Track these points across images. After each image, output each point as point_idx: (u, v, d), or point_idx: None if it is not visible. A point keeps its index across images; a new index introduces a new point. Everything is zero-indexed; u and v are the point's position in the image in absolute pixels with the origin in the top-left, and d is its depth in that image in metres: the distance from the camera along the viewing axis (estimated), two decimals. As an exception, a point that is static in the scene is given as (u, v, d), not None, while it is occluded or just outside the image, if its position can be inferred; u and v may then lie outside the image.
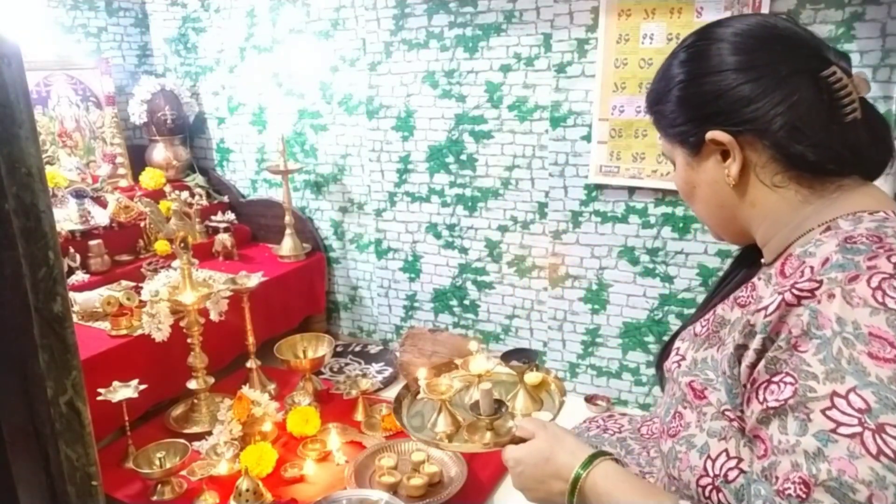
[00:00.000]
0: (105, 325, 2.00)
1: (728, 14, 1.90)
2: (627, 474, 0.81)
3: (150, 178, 2.73)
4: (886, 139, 0.75)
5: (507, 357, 1.25)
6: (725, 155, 0.76)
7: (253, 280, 2.19)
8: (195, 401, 2.07)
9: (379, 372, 2.55)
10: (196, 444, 1.85)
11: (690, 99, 0.78)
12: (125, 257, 2.44)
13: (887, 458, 0.56)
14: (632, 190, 2.14)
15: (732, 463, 0.69)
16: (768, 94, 0.71)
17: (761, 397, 0.65)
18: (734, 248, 0.91)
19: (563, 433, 0.89)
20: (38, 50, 2.58)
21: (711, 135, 0.75)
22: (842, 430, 0.58)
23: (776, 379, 0.64)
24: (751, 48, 0.75)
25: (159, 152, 2.87)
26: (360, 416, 2.07)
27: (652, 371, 2.23)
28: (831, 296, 0.62)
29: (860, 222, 0.68)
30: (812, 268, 0.67)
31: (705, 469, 0.71)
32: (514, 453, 0.90)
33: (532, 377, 1.27)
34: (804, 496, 0.58)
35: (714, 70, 0.75)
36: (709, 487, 0.70)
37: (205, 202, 2.79)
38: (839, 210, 0.71)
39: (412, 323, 2.72)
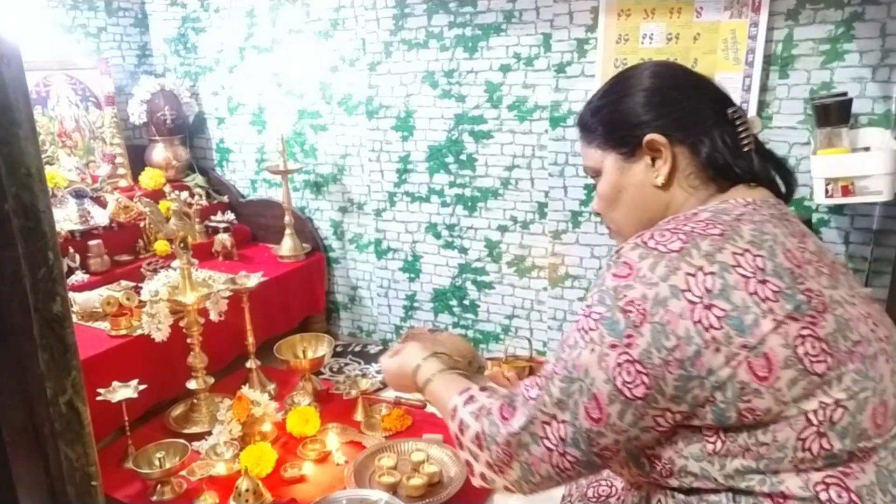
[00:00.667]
0: (105, 325, 2.00)
1: (727, 14, 1.90)
2: (453, 377, 1.03)
3: (150, 178, 2.73)
4: (778, 168, 0.91)
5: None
6: (654, 160, 0.88)
7: (252, 280, 2.19)
8: (195, 401, 2.07)
9: (379, 372, 2.55)
10: (196, 444, 1.85)
11: (643, 106, 0.89)
12: (125, 257, 2.44)
13: (582, 332, 0.78)
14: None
15: None
16: (700, 112, 0.88)
17: None
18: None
19: (415, 343, 1.15)
20: (38, 50, 2.58)
21: (650, 137, 0.87)
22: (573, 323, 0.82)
23: None
24: (695, 79, 0.93)
25: (159, 152, 2.87)
26: (359, 416, 2.07)
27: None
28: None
29: (716, 205, 0.84)
30: None
31: None
32: (384, 359, 1.18)
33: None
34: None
35: (667, 87, 0.90)
36: None
37: (204, 202, 2.78)
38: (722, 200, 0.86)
39: (412, 323, 2.72)
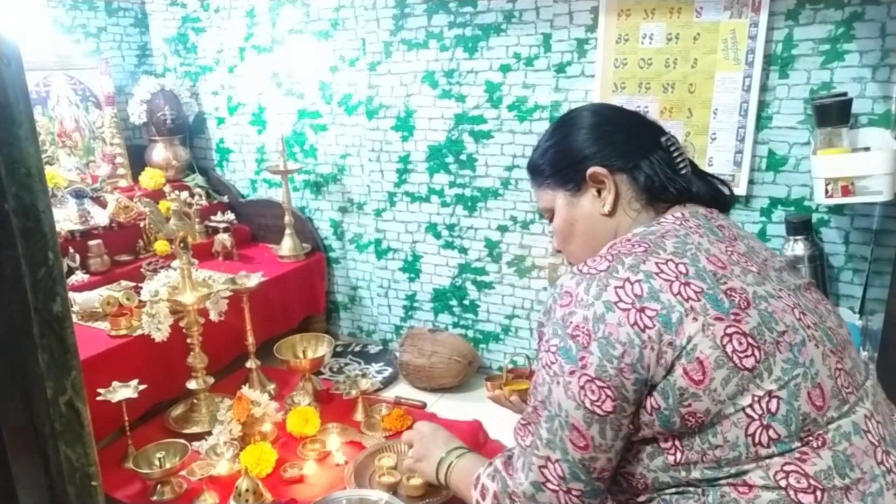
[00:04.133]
0: (105, 325, 2.00)
1: (727, 14, 1.90)
2: (473, 457, 1.15)
3: (150, 179, 2.73)
4: (712, 184, 0.98)
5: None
6: (599, 192, 0.96)
7: (252, 280, 2.18)
8: (195, 401, 2.07)
9: (379, 372, 2.55)
10: (196, 444, 1.85)
11: (582, 143, 0.98)
12: (125, 257, 2.44)
13: (546, 367, 0.84)
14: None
15: None
16: (635, 142, 0.96)
17: None
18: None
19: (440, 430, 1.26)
20: (38, 50, 2.58)
21: (593, 170, 0.95)
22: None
23: None
24: (628, 115, 1.03)
25: (159, 152, 2.87)
26: (359, 416, 2.07)
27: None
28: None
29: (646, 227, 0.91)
30: None
31: None
32: (408, 463, 1.30)
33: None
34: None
35: (605, 123, 0.99)
36: None
37: (204, 202, 2.78)
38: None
39: (412, 323, 2.72)
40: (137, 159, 2.84)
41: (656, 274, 0.79)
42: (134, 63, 2.99)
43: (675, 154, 0.96)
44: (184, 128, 2.93)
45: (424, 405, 2.19)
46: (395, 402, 2.17)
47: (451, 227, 2.53)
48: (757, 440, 0.75)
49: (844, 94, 1.76)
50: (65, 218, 2.32)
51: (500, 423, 1.77)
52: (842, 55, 1.82)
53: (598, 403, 0.79)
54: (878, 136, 1.74)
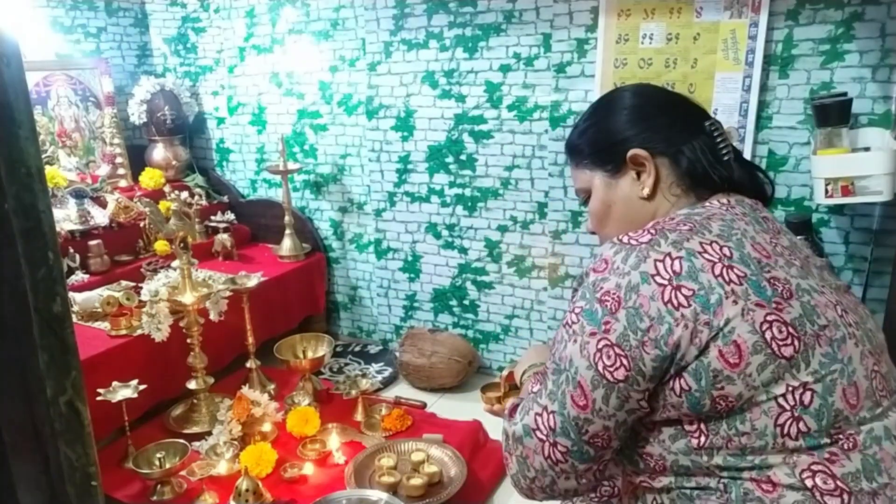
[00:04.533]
0: (105, 325, 2.00)
1: (727, 14, 1.90)
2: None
3: (150, 179, 2.73)
4: (754, 175, 0.96)
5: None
6: (638, 175, 0.94)
7: (252, 280, 2.19)
8: (195, 401, 2.07)
9: (379, 372, 2.55)
10: (196, 444, 1.85)
11: (624, 124, 0.95)
12: (125, 257, 2.44)
13: (567, 326, 0.83)
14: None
15: None
16: (679, 126, 0.94)
17: None
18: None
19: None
20: (38, 50, 2.58)
21: (634, 152, 0.92)
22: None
23: None
24: (672, 96, 1.00)
25: (159, 152, 2.87)
26: (359, 416, 2.07)
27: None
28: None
29: (690, 210, 0.89)
30: None
31: None
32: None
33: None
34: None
35: (648, 104, 0.97)
36: None
37: (204, 202, 2.78)
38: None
39: (412, 323, 2.72)
40: (137, 159, 2.84)
41: (699, 253, 0.78)
42: (134, 63, 2.99)
43: (719, 140, 0.93)
44: (184, 128, 2.93)
45: (424, 405, 2.19)
46: (395, 402, 2.17)
47: (451, 227, 2.53)
48: (786, 431, 0.74)
49: (844, 94, 1.76)
50: (65, 218, 2.32)
51: (500, 423, 1.77)
52: (842, 55, 1.82)
53: (611, 369, 0.78)
54: (878, 136, 1.74)
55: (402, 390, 2.40)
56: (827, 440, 0.74)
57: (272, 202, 2.88)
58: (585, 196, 1.01)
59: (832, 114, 1.69)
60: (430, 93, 2.43)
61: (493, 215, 2.43)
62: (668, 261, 0.77)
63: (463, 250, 2.53)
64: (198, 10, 2.89)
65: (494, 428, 1.96)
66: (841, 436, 0.74)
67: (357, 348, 2.79)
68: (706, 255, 0.77)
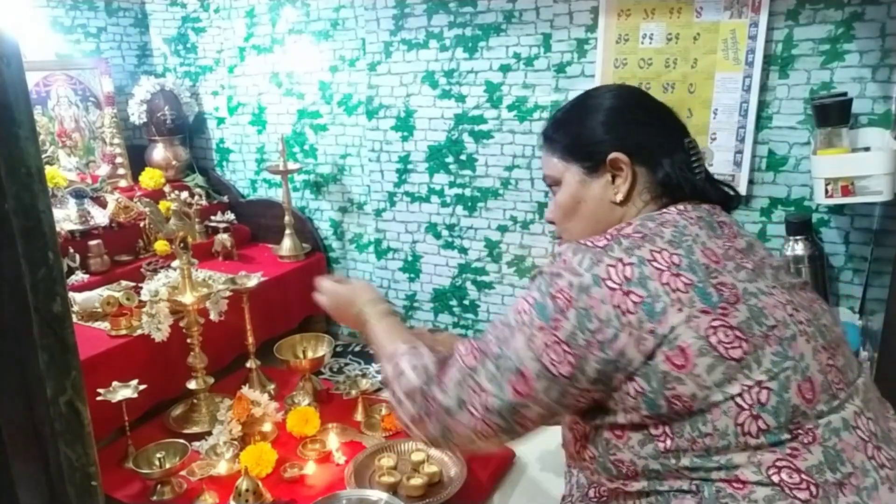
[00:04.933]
0: (105, 325, 2.00)
1: (727, 14, 1.90)
2: (393, 319, 1.15)
3: (150, 179, 2.73)
4: (722, 191, 0.99)
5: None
6: (614, 178, 0.95)
7: (252, 280, 2.19)
8: (195, 401, 2.07)
9: (378, 372, 2.55)
10: (196, 444, 1.85)
11: (609, 125, 0.96)
12: (125, 257, 2.44)
13: (517, 313, 0.87)
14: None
15: None
16: (663, 137, 0.96)
17: None
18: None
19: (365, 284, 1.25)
20: (38, 50, 2.58)
21: (615, 155, 0.93)
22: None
23: None
24: (659, 106, 1.01)
25: (159, 152, 2.87)
26: (359, 416, 2.07)
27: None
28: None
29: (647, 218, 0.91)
30: None
31: None
32: (326, 282, 1.26)
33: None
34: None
35: (633, 108, 0.98)
36: None
37: (204, 202, 2.78)
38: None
39: (412, 323, 2.72)
40: (137, 159, 2.84)
41: (649, 261, 0.81)
42: (134, 63, 2.99)
43: (695, 159, 0.96)
44: (184, 128, 2.93)
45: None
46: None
47: (451, 227, 2.53)
48: (746, 430, 0.76)
49: (844, 94, 1.76)
50: (65, 218, 2.32)
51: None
52: (842, 55, 1.82)
53: (557, 364, 0.81)
54: (878, 136, 1.74)
55: (402, 390, 2.40)
56: (787, 436, 0.76)
57: (272, 202, 2.88)
58: (552, 184, 1.02)
59: (832, 114, 1.69)
60: (430, 93, 2.43)
61: (493, 215, 2.43)
62: (619, 266, 0.80)
63: (463, 250, 2.53)
64: (198, 10, 2.89)
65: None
66: (800, 431, 0.76)
67: (357, 348, 2.79)
68: (655, 264, 0.80)
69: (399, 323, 1.16)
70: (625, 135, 0.95)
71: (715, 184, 0.99)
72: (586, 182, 0.97)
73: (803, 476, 0.75)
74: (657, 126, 0.97)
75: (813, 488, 0.74)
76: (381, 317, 1.15)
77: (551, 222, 1.04)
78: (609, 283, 0.80)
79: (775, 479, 0.75)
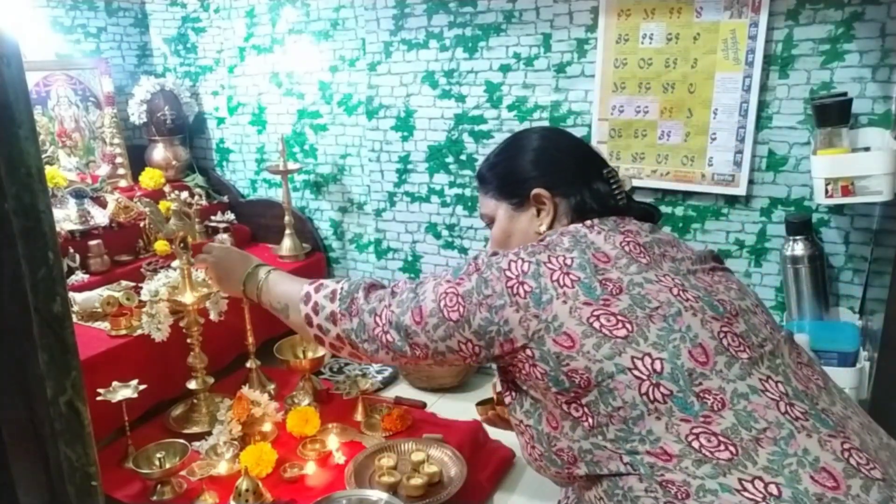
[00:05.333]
0: (105, 325, 2.00)
1: (727, 14, 1.90)
2: (282, 273, 1.34)
3: (150, 179, 2.73)
4: (646, 210, 1.15)
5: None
6: (539, 212, 1.09)
7: (253, 280, 2.18)
8: (195, 401, 2.07)
9: (378, 372, 2.55)
10: (196, 444, 1.85)
11: (532, 165, 1.10)
12: (125, 257, 2.44)
13: (440, 270, 1.05)
14: (631, 189, 2.14)
15: None
16: (579, 171, 1.10)
17: None
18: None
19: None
20: (38, 50, 2.58)
21: (537, 191, 1.08)
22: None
23: None
24: (576, 143, 1.17)
25: (159, 152, 2.87)
26: (359, 416, 2.07)
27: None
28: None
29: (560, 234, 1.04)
30: None
31: None
32: (208, 245, 1.48)
33: None
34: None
35: (553, 148, 1.12)
36: None
37: (204, 202, 2.78)
38: None
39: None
40: (137, 159, 2.84)
41: (545, 263, 0.95)
42: (134, 63, 2.99)
43: (614, 186, 1.09)
44: (184, 128, 2.93)
45: (424, 405, 2.19)
46: (395, 402, 2.17)
47: (451, 227, 2.53)
48: (652, 398, 0.85)
49: (844, 94, 1.76)
50: (65, 218, 2.32)
51: (498, 432, 1.77)
52: (842, 55, 1.82)
53: (449, 308, 1.00)
54: (878, 136, 1.74)
55: (402, 390, 2.40)
56: (694, 400, 0.84)
57: (272, 202, 2.88)
58: (489, 221, 1.18)
59: (832, 114, 1.69)
60: (430, 93, 2.43)
61: (493, 215, 2.43)
62: (520, 262, 0.96)
63: (463, 250, 2.53)
64: (198, 10, 2.89)
65: (494, 428, 1.96)
66: (707, 396, 0.84)
67: (357, 348, 2.79)
68: (549, 265, 0.95)
69: (291, 276, 1.33)
70: (544, 172, 1.09)
71: (637, 204, 1.15)
72: (514, 217, 1.13)
73: (720, 438, 0.81)
74: (574, 161, 1.11)
75: (732, 448, 0.80)
76: (272, 271, 1.34)
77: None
78: (508, 272, 0.96)
79: (695, 445, 0.81)
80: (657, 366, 0.86)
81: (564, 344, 0.89)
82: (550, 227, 1.08)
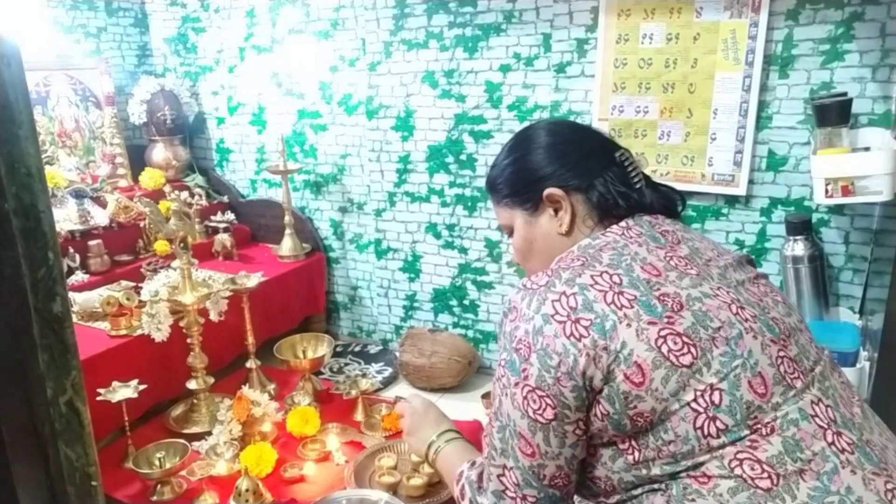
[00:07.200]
0: (105, 325, 2.00)
1: (727, 14, 1.90)
2: (461, 444, 1.18)
3: (150, 178, 2.73)
4: (666, 195, 1.03)
5: None
6: (556, 211, 0.99)
7: (252, 280, 2.18)
8: (195, 401, 2.07)
9: (379, 372, 2.55)
10: (196, 444, 1.85)
11: (539, 165, 1.01)
12: (125, 257, 2.44)
13: (498, 381, 0.89)
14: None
15: None
16: (591, 160, 1.00)
17: None
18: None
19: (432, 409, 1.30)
20: (38, 50, 2.58)
21: (549, 191, 0.98)
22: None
23: None
24: (583, 132, 1.07)
25: (159, 152, 2.87)
26: (359, 416, 2.07)
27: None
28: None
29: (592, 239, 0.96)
30: None
31: None
32: (415, 401, 1.33)
33: None
34: None
35: (560, 142, 1.03)
36: None
37: (204, 202, 2.78)
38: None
39: (412, 323, 2.72)
40: (137, 159, 2.84)
41: (591, 286, 0.84)
42: (134, 63, 2.99)
43: (630, 169, 1.00)
44: (184, 128, 2.93)
45: (424, 405, 2.18)
46: (395, 402, 2.17)
47: (451, 227, 2.53)
48: (706, 432, 0.78)
49: (844, 94, 1.76)
50: (65, 218, 2.32)
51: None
52: (842, 55, 1.82)
53: (540, 412, 0.84)
54: (878, 136, 1.74)
55: (403, 390, 2.40)
56: (747, 431, 0.78)
57: (272, 202, 2.88)
58: (509, 231, 1.08)
59: (832, 114, 1.69)
60: (430, 93, 2.43)
61: (492, 215, 2.43)
62: (563, 299, 0.83)
63: (463, 250, 2.53)
64: (198, 10, 2.89)
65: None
66: (759, 425, 0.79)
67: (357, 348, 2.79)
68: (597, 287, 0.83)
69: (463, 443, 1.21)
70: (555, 169, 1.00)
71: (657, 188, 1.03)
72: (532, 222, 1.03)
73: (764, 467, 0.77)
74: (583, 151, 1.01)
75: (774, 477, 0.76)
76: (443, 445, 1.21)
77: (518, 264, 1.09)
78: (557, 317, 0.82)
79: (737, 471, 0.77)
80: (716, 397, 0.79)
81: (635, 380, 0.79)
82: (571, 226, 0.98)
